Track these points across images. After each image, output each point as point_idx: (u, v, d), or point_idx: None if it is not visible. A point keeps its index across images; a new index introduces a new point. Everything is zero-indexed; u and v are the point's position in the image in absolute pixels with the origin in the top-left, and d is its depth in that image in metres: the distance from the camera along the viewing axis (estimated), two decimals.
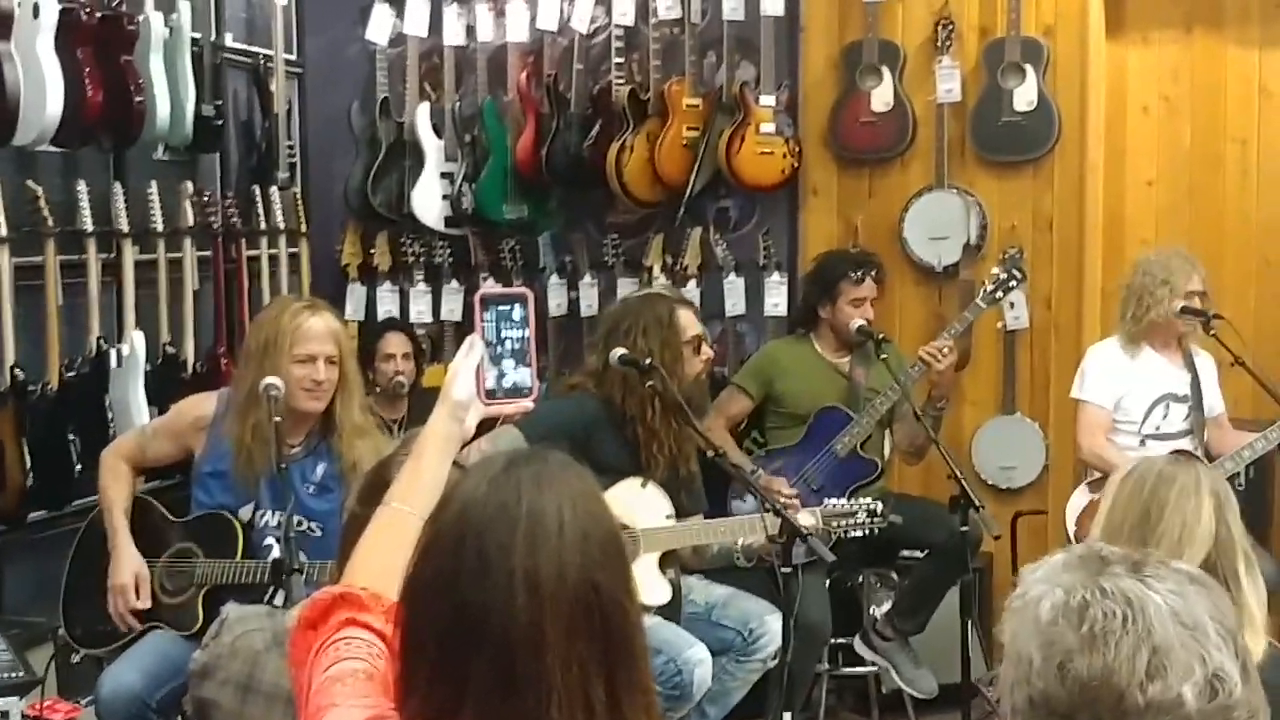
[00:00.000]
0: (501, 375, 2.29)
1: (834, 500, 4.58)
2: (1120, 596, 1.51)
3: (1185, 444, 5.21)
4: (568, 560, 1.75)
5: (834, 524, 4.46)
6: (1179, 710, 1.46)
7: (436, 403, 2.26)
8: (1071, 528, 5.21)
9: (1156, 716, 1.46)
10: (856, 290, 5.46)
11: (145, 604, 4.26)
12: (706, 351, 4.74)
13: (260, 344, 4.21)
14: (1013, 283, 5.47)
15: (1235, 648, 1.51)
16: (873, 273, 5.52)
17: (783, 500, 4.40)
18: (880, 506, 4.59)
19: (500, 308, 2.30)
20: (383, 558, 2.13)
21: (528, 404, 2.32)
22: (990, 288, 5.43)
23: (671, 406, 4.50)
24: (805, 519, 4.31)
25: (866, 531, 4.57)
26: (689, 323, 4.69)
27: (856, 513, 4.50)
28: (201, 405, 4.43)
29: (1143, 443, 5.27)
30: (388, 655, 1.98)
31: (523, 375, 2.30)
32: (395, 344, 5.90)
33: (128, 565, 4.26)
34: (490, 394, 2.27)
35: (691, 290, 6.24)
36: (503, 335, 2.29)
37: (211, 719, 2.65)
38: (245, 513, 4.25)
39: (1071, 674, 1.50)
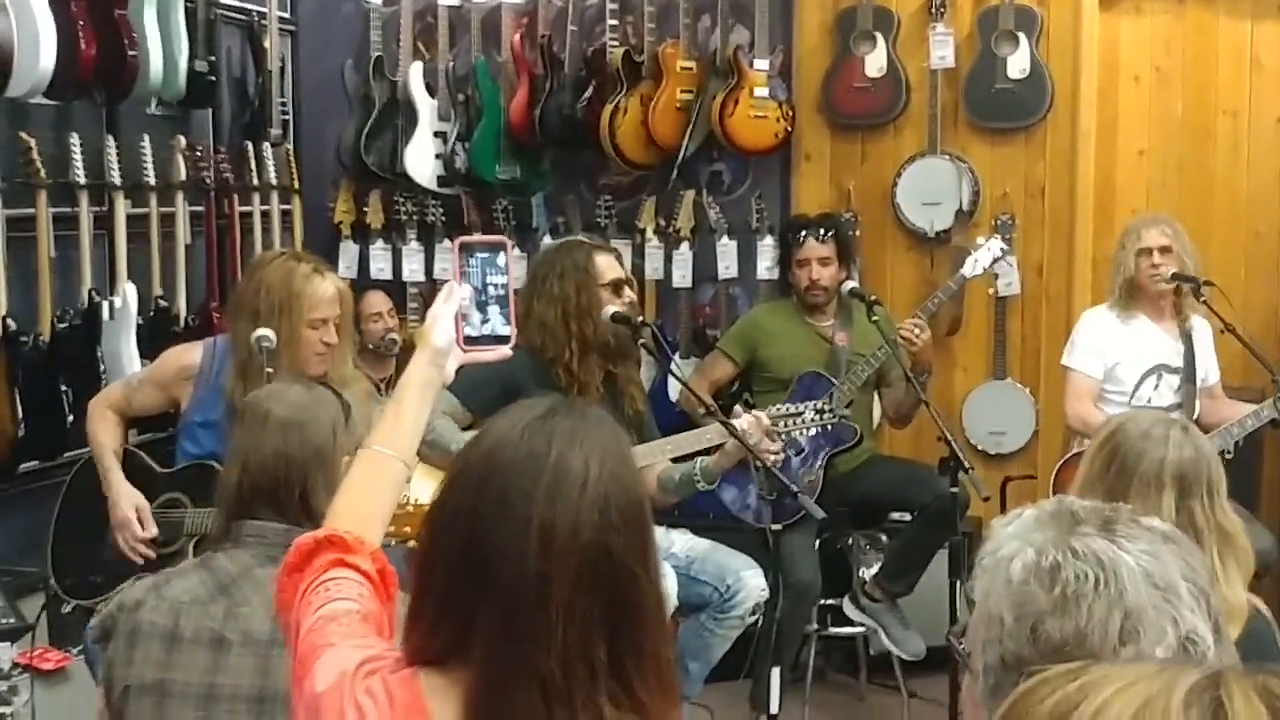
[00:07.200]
0: (481, 322, 2.28)
1: (779, 405, 4.55)
2: (1092, 558, 1.50)
3: (1175, 418, 5.20)
4: (584, 518, 1.76)
5: (781, 425, 4.41)
6: None
7: (417, 349, 2.27)
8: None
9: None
10: (799, 251, 5.51)
11: (152, 532, 4.27)
12: (629, 294, 4.72)
13: (271, 305, 4.19)
14: (1000, 255, 5.46)
15: (1208, 607, 1.50)
16: (817, 232, 5.52)
17: (771, 458, 4.39)
18: (826, 404, 4.54)
19: (481, 255, 2.30)
20: (365, 501, 2.16)
21: (506, 351, 2.31)
22: (974, 261, 5.42)
23: (618, 355, 4.56)
24: (746, 419, 4.28)
25: (819, 429, 4.55)
26: (608, 266, 4.66)
27: (803, 412, 4.45)
28: (186, 355, 4.44)
29: None
30: (378, 597, 2.01)
31: (501, 322, 2.30)
32: (378, 302, 5.93)
33: (126, 500, 4.27)
34: (469, 340, 2.27)
35: (684, 253, 6.26)
36: (483, 282, 2.29)
37: (114, 674, 2.77)
38: None
39: (1043, 636, 1.48)
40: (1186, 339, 5.36)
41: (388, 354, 5.89)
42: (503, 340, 2.30)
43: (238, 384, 4.21)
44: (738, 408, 4.55)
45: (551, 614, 1.72)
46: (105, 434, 4.36)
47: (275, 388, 3.17)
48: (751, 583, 4.69)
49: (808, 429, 4.52)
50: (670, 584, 4.52)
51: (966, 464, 4.58)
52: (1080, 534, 1.53)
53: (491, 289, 2.29)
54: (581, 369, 4.54)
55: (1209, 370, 5.44)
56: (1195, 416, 5.31)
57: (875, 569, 5.42)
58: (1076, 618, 1.48)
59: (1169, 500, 2.86)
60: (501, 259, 2.31)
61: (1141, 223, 5.37)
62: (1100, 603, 1.48)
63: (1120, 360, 5.34)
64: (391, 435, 2.21)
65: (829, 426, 4.59)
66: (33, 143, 4.86)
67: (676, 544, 4.80)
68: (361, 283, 6.30)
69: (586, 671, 1.73)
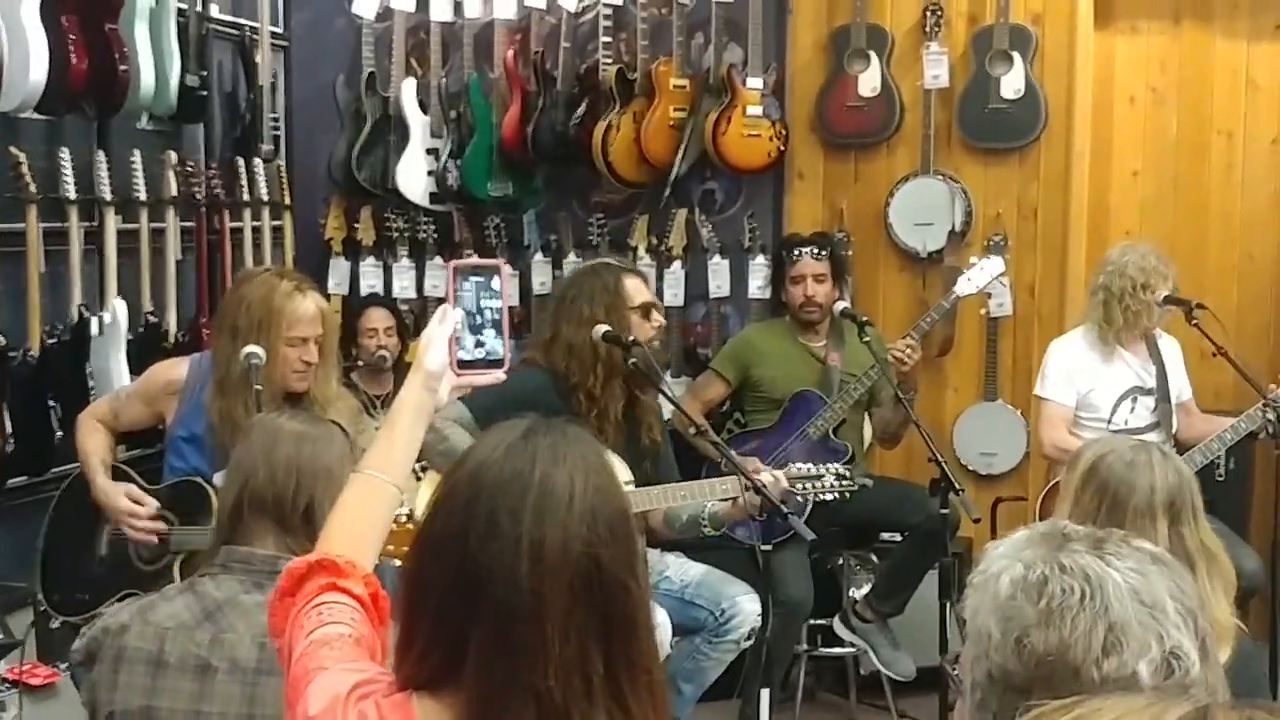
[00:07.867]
0: (475, 345, 2.29)
1: (800, 465, 4.55)
2: (1079, 573, 1.51)
3: (1153, 438, 5.17)
4: (573, 533, 1.77)
5: (799, 487, 4.42)
6: (1134, 687, 1.45)
7: (410, 372, 2.28)
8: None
9: (1112, 693, 1.45)
10: (793, 268, 5.52)
11: (152, 506, 4.24)
12: (657, 318, 4.72)
13: (251, 323, 4.19)
14: (996, 275, 5.44)
15: (1195, 627, 1.51)
16: (813, 250, 5.53)
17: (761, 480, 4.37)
18: (848, 471, 4.55)
19: (476, 278, 2.31)
20: (357, 525, 2.17)
21: (500, 375, 2.32)
22: (967, 279, 5.40)
23: (643, 379, 4.52)
24: (766, 478, 4.27)
25: (837, 495, 4.53)
26: (636, 290, 4.67)
27: (824, 476, 4.46)
28: (172, 370, 4.43)
29: None
30: (370, 621, 2.01)
31: (495, 346, 2.31)
32: (377, 319, 5.91)
33: (114, 492, 4.25)
34: (463, 364, 2.28)
35: (676, 271, 6.25)
36: (477, 305, 2.30)
37: (99, 698, 2.76)
38: (219, 478, 4.24)
39: (1028, 649, 1.50)
40: (1157, 359, 5.35)
41: (382, 369, 5.88)
42: (497, 363, 2.31)
43: (216, 400, 4.20)
44: (755, 461, 4.52)
45: (547, 629, 1.73)
46: (92, 443, 4.35)
47: (284, 415, 3.14)
48: (747, 608, 4.67)
49: (825, 494, 4.50)
50: (664, 635, 4.49)
51: (957, 485, 4.55)
52: (1070, 551, 1.55)
53: (487, 312, 2.30)
54: (605, 394, 4.53)
55: (1181, 387, 5.45)
56: (1173, 434, 5.32)
57: (865, 589, 5.42)
58: (1060, 630, 1.49)
59: (1162, 529, 2.88)
60: (496, 282, 2.31)
61: (1161, 265, 5.27)
62: (1085, 615, 1.49)
63: (1094, 387, 5.33)
64: (384, 459, 2.21)
65: (847, 494, 4.55)
66: (23, 157, 4.85)
67: (671, 568, 4.78)
68: (353, 300, 6.30)
69: (583, 685, 1.74)
